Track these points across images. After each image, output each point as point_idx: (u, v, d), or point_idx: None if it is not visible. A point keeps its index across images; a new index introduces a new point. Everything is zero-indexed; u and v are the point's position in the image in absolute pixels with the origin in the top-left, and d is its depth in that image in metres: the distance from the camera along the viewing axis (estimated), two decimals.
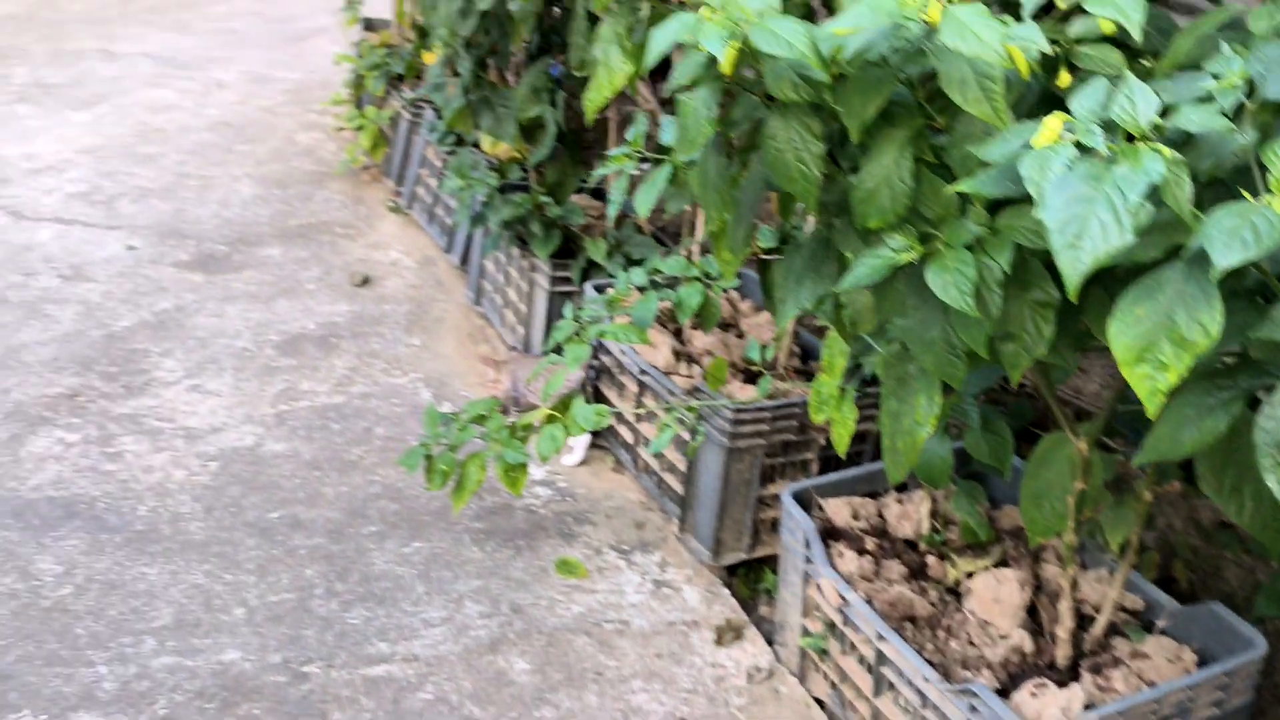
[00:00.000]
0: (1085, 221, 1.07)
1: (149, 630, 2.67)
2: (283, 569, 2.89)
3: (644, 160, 2.18)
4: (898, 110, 1.41)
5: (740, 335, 3.36)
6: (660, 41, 1.41)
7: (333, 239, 4.92)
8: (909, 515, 2.64)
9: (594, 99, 2.00)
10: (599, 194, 4.18)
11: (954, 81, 1.27)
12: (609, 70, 1.95)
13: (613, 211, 2.19)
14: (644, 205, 1.91)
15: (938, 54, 1.25)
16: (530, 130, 3.66)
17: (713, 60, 1.34)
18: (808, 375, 3.21)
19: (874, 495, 2.75)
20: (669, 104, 2.31)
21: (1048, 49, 1.24)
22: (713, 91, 1.44)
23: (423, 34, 4.96)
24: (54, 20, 8.44)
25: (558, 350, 2.82)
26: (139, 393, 3.66)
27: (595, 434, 3.45)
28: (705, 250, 3.29)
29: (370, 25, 6.40)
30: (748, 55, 1.36)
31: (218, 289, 4.40)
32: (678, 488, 3.07)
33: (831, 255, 1.67)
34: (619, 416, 3.30)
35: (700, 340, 3.27)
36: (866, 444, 3.09)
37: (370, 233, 5.03)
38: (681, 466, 3.03)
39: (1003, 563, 2.52)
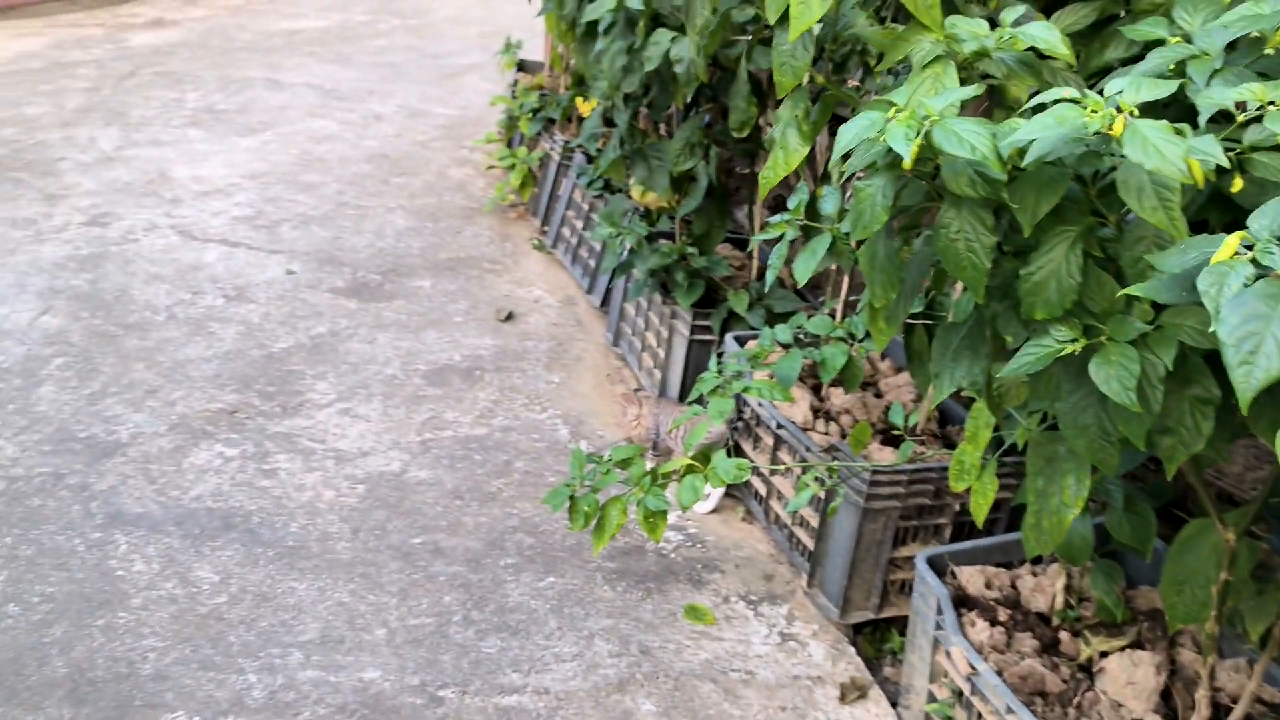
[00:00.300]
0: (1260, 339, 1.11)
1: (296, 643, 2.81)
2: (423, 594, 3.01)
3: (802, 229, 2.25)
4: (1069, 206, 1.45)
5: (879, 395, 3.39)
6: (848, 137, 1.48)
7: (480, 273, 5.09)
8: (1043, 589, 2.63)
9: (769, 177, 2.08)
10: (741, 244, 4.26)
11: (1131, 188, 1.31)
12: (786, 151, 2.03)
13: (770, 277, 2.26)
14: (803, 273, 1.98)
15: (1117, 159, 1.29)
16: (680, 181, 3.75)
17: (893, 152, 1.40)
18: (945, 439, 3.22)
19: (1008, 565, 2.76)
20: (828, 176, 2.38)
21: (1225, 163, 1.27)
22: (890, 181, 1.51)
23: (579, 81, 5.12)
24: (224, 49, 8.90)
25: (701, 401, 2.89)
26: (294, 413, 3.85)
27: (729, 484, 3.50)
28: (850, 309, 3.33)
29: (523, 66, 6.61)
30: (927, 149, 1.42)
31: (370, 316, 4.59)
32: (808, 543, 3.11)
33: (989, 336, 1.71)
34: (754, 468, 3.36)
35: (839, 398, 3.31)
36: (1001, 513, 3.09)
37: (515, 269, 5.18)
38: (814, 522, 3.07)
39: (1137, 644, 2.50)
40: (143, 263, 4.94)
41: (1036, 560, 2.76)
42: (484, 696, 2.68)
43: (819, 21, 1.64)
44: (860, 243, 1.70)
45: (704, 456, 2.70)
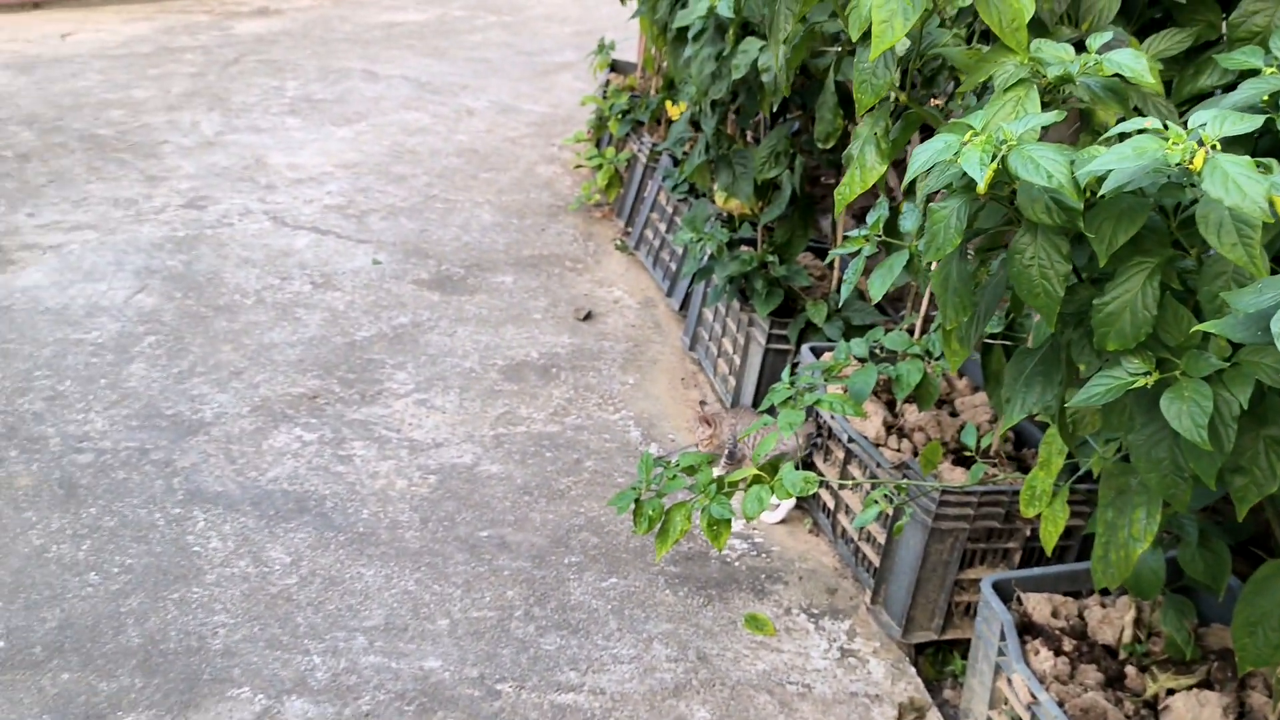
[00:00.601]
0: None
1: (361, 628, 2.86)
2: (487, 587, 3.05)
3: (881, 244, 2.24)
4: (1149, 236, 1.42)
5: (955, 414, 3.35)
6: (922, 160, 1.47)
7: (562, 272, 5.13)
8: (1111, 621, 2.58)
9: (845, 194, 2.07)
10: (824, 254, 4.24)
11: (1211, 224, 1.28)
12: (863, 168, 2.02)
13: (845, 292, 2.24)
14: (878, 290, 1.97)
15: (1199, 192, 1.26)
16: (765, 189, 3.75)
17: (969, 175, 1.39)
18: (1019, 462, 3.18)
19: (1076, 595, 2.71)
20: (911, 192, 2.36)
21: None
22: (965, 204, 1.49)
23: (669, 84, 5.14)
24: (324, 39, 9.07)
25: (772, 411, 2.89)
26: (372, 401, 3.92)
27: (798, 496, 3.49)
28: (928, 325, 3.30)
29: (616, 67, 6.64)
30: (1003, 174, 1.40)
31: (452, 309, 4.66)
32: (874, 559, 3.08)
33: (1063, 363, 1.68)
34: (823, 482, 3.34)
35: (913, 415, 3.28)
36: (1073, 540, 3.03)
37: (597, 269, 5.22)
38: (881, 539, 3.04)
39: (1206, 684, 2.44)
40: (235, 247, 5.07)
41: (1106, 591, 2.71)
42: (540, 693, 2.70)
43: (902, 39, 1.63)
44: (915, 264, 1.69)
45: (772, 467, 2.69)
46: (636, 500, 2.63)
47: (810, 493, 2.57)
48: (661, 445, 3.82)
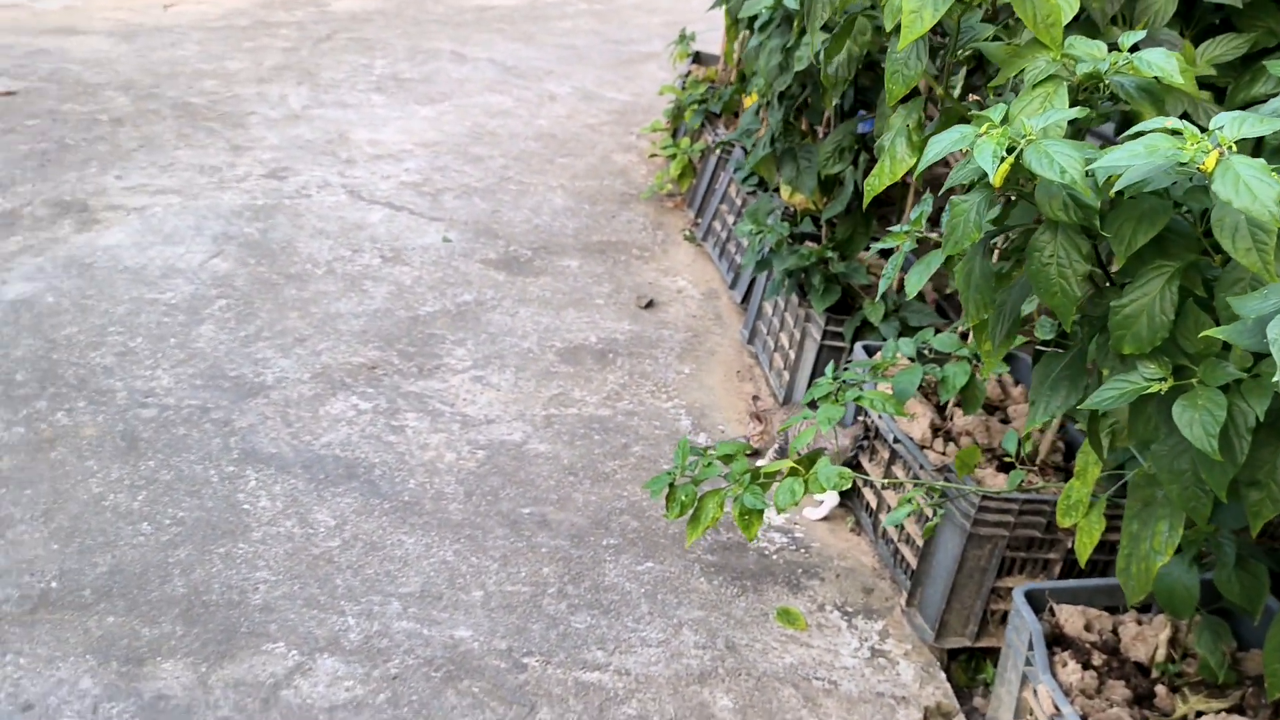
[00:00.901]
0: None
1: (397, 594, 2.92)
2: (523, 562, 3.09)
3: (923, 240, 2.22)
4: (1172, 240, 1.40)
5: (1006, 420, 3.31)
6: (936, 149, 1.46)
7: (628, 259, 5.16)
8: (1145, 639, 2.54)
9: (874, 185, 2.06)
10: (887, 253, 4.20)
11: (1226, 227, 1.25)
12: (892, 159, 2.00)
13: (883, 285, 2.23)
14: (914, 285, 1.95)
15: (1212, 196, 1.24)
16: (829, 184, 3.73)
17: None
18: (1068, 473, 3.12)
19: (1113, 610, 2.66)
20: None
21: None
22: (986, 199, 1.48)
23: (744, 77, 5.13)
24: (417, 19, 9.20)
25: (813, 406, 2.88)
26: (429, 375, 3.98)
27: (842, 494, 3.48)
28: None
29: (699, 59, 6.64)
30: (1022, 170, 1.39)
31: (516, 290, 4.70)
32: (912, 561, 3.06)
33: (1088, 368, 1.66)
34: (866, 481, 3.33)
35: (961, 420, 3.25)
36: (1113, 554, 2.98)
37: (663, 258, 5.23)
38: (919, 541, 3.02)
39: (1239, 709, 2.39)
40: (311, 218, 5.17)
41: (1144, 609, 2.66)
42: (566, 669, 2.73)
43: (940, 33, 1.61)
44: (956, 262, 1.67)
45: (809, 461, 2.68)
46: (670, 484, 2.64)
47: (844, 488, 2.56)
48: (711, 436, 3.83)
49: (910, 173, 3.53)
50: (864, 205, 2.45)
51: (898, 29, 1.67)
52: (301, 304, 4.37)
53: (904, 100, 1.95)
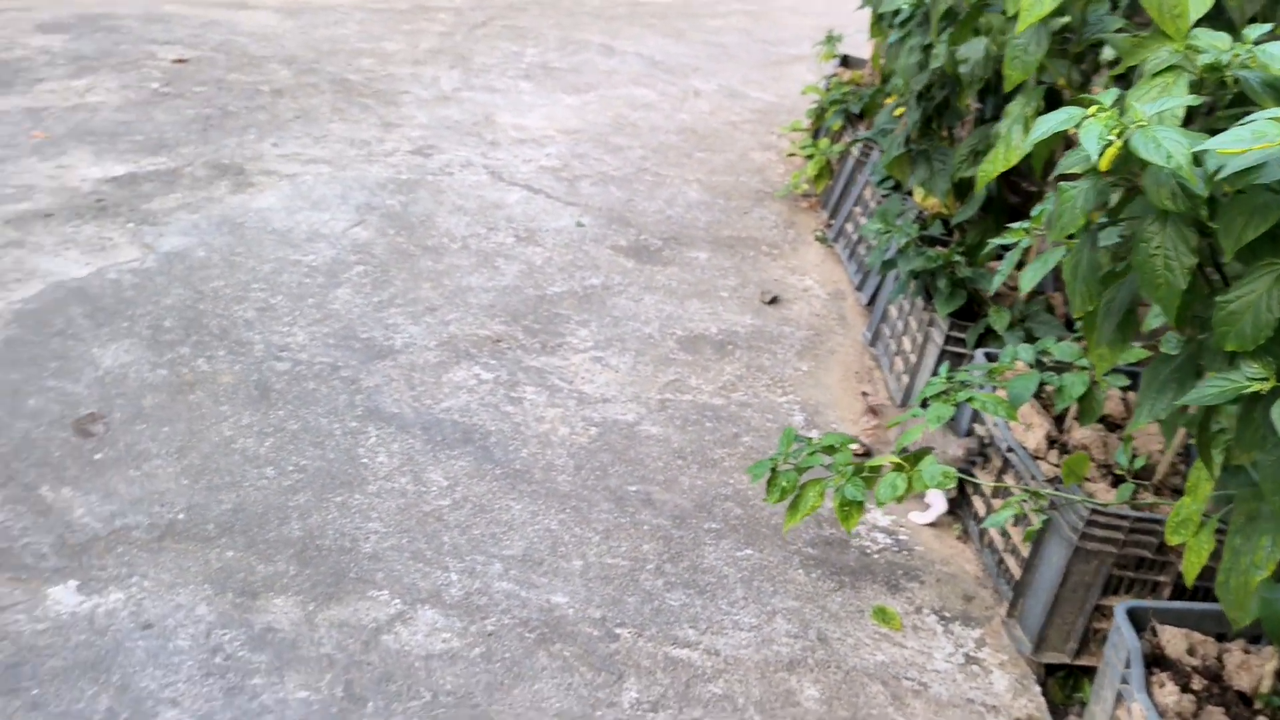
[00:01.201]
0: None
1: (500, 556, 3.00)
2: (625, 537, 3.14)
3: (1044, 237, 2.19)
4: None
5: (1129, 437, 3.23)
6: (1042, 129, 1.45)
7: (756, 255, 5.17)
8: (1250, 668, 2.45)
9: (987, 171, 2.04)
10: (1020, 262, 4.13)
11: None
12: (1007, 146, 1.99)
13: (997, 281, 2.21)
14: (1028, 281, 1.93)
15: None
16: (962, 188, 3.69)
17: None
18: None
19: (1220, 638, 2.58)
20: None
21: None
22: (1094, 185, 1.46)
23: (886, 79, 5.09)
24: (571, 11, 9.35)
25: (925, 404, 2.86)
26: (551, 352, 4.06)
27: (950, 501, 3.45)
28: None
29: (847, 62, 6.62)
30: (1135, 159, 1.37)
31: (643, 277, 4.76)
32: (1015, 572, 3.01)
33: (1196, 370, 1.63)
34: (975, 488, 3.29)
35: (1079, 433, 3.18)
36: None
37: (792, 256, 5.23)
38: (1025, 551, 2.97)
39: None
40: (452, 195, 5.32)
41: (1256, 639, 2.57)
42: (656, 643, 2.77)
43: (1064, 21, 1.60)
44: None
45: (915, 458, 2.67)
46: (773, 469, 2.66)
47: (948, 487, 2.54)
48: (823, 433, 3.82)
49: (1046, 173, 3.48)
50: (976, 188, 2.41)
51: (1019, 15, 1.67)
52: (435, 275, 4.51)
53: (1024, 88, 1.93)
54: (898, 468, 2.63)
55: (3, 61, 6.61)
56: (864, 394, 3.88)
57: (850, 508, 2.59)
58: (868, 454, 3.66)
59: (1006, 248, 2.25)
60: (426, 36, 8.02)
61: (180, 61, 6.90)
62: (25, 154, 5.29)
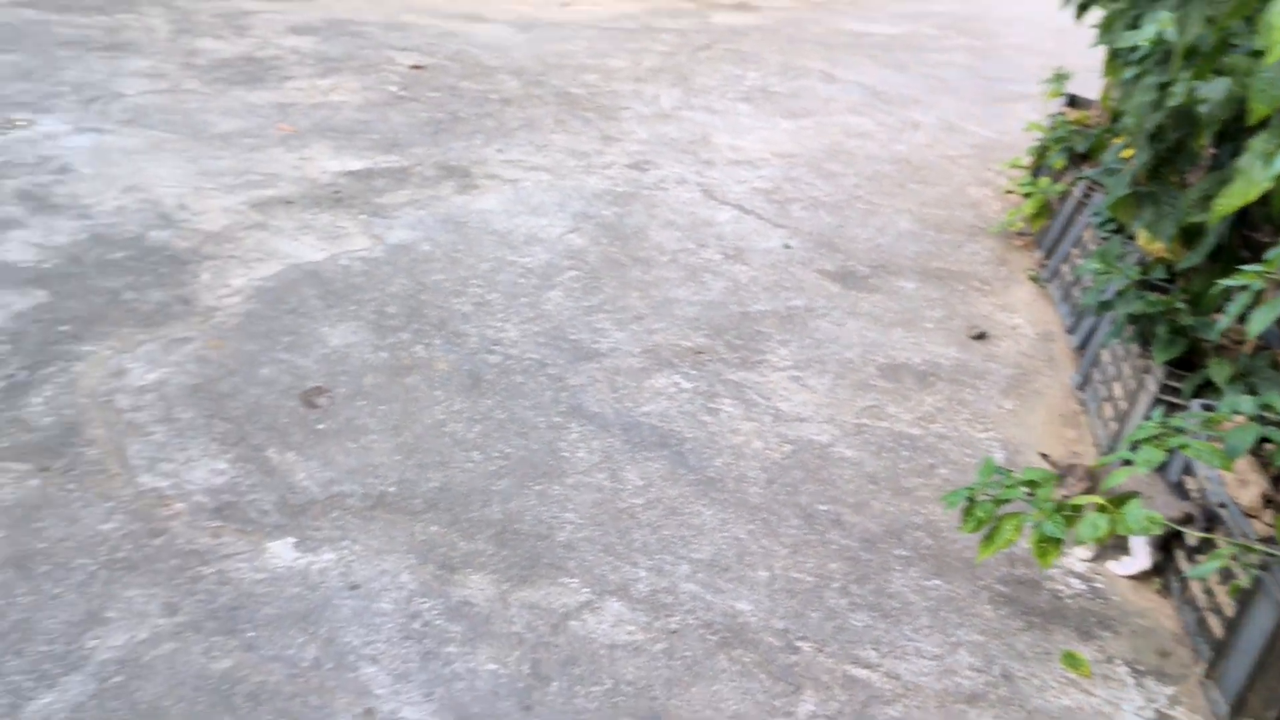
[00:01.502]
0: None
1: (688, 558, 3.06)
2: (812, 554, 3.16)
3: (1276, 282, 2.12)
4: None
5: None
6: None
7: (965, 290, 5.10)
8: None
9: (1224, 205, 1.98)
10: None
11: None
12: (1247, 180, 1.93)
13: (1223, 325, 2.15)
14: (1258, 325, 1.88)
15: None
16: (1190, 234, 3.57)
17: None
18: None
19: None
20: None
21: None
22: None
23: (1116, 118, 4.96)
24: (793, 38, 9.42)
25: (1134, 448, 2.78)
26: (750, 368, 4.12)
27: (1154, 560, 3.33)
28: None
29: (1074, 102, 6.46)
30: None
31: (847, 303, 4.77)
32: (1218, 631, 2.89)
33: None
34: (1179, 544, 3.17)
35: None
36: None
37: (1002, 294, 5.14)
38: (1229, 611, 2.85)
39: None
40: (664, 209, 5.45)
41: None
42: (837, 660, 2.78)
43: None
44: None
45: (1120, 501, 2.60)
46: (970, 499, 2.64)
47: (1153, 533, 2.47)
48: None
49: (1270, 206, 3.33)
50: (1210, 222, 2.34)
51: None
52: (643, 285, 4.63)
53: (1270, 123, 1.87)
54: (1101, 509, 2.57)
55: (258, 59, 7.12)
56: (1062, 463, 3.79)
57: (1047, 545, 2.54)
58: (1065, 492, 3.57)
59: (1235, 290, 2.18)
60: (650, 56, 8.22)
61: (417, 68, 7.28)
62: (273, 144, 5.69)
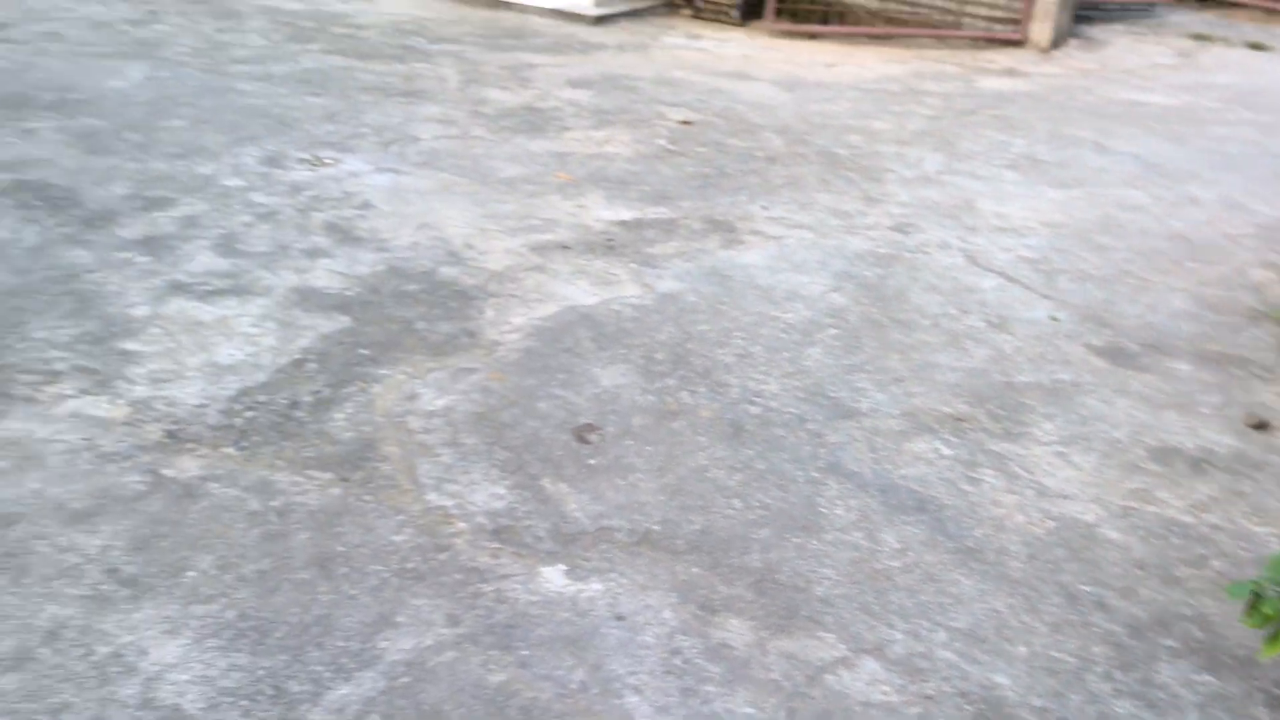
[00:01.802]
0: None
1: (945, 625, 3.05)
2: (1073, 635, 3.09)
3: None
4: None
5: None
6: None
7: (1245, 376, 4.86)
8: None
9: None
10: None
11: None
12: None
13: None
14: None
15: None
16: None
17: None
18: None
19: None
20: None
21: None
22: None
23: None
24: (1062, 105, 9.20)
25: None
26: (1013, 439, 4.06)
27: None
28: None
29: None
30: None
31: (1115, 380, 4.63)
32: None
33: None
34: None
35: None
36: None
37: None
38: None
39: None
40: (926, 273, 5.43)
41: None
42: None
43: None
44: None
45: None
46: (1255, 593, 2.54)
47: None
48: None
49: None
50: None
51: None
52: (903, 348, 4.63)
53: None
54: None
55: (539, 109, 7.53)
56: None
57: None
58: None
59: None
60: (914, 119, 8.22)
61: (685, 123, 7.52)
62: (551, 191, 6.00)
